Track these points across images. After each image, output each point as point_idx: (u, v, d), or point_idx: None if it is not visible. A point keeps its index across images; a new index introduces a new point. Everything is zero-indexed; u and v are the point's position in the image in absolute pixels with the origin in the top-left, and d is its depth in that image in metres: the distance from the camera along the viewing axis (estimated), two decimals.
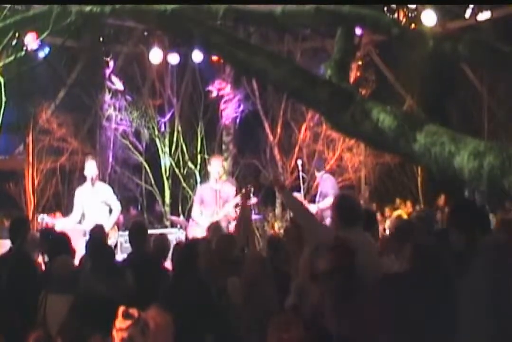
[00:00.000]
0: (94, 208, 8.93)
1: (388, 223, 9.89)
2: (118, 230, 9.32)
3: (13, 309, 5.33)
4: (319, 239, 4.98)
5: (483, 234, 4.05)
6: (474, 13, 10.83)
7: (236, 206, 9.32)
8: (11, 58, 8.32)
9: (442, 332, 3.69)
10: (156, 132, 13.58)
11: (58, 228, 8.25)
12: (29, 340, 4.08)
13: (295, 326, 3.58)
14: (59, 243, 6.43)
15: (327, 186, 10.15)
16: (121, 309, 3.66)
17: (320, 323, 4.24)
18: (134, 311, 3.67)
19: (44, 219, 9.04)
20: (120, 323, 3.63)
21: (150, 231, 8.60)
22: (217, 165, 9.43)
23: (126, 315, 3.63)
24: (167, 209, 13.64)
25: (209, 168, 9.56)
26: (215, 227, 7.44)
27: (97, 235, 7.19)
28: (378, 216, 10.35)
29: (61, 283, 5.25)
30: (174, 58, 12.66)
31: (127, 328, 3.61)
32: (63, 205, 12.34)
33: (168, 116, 13.75)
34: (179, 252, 5.67)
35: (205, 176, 13.02)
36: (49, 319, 5.09)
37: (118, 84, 13.20)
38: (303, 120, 13.43)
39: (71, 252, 6.32)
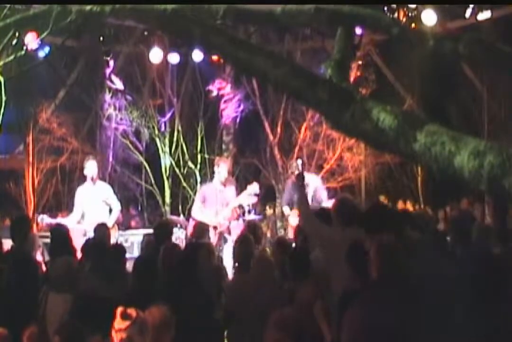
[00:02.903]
0: (94, 207, 8.94)
1: None
2: (118, 229, 9.33)
3: (13, 307, 5.34)
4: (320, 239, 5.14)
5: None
6: (474, 13, 10.82)
7: (239, 206, 9.38)
8: (11, 57, 8.31)
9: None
10: (156, 132, 13.58)
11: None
12: (23, 336, 4.08)
13: (293, 324, 3.57)
14: (60, 242, 6.45)
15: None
16: (119, 310, 3.66)
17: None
18: (132, 312, 3.67)
19: (44, 219, 9.04)
20: (119, 324, 3.63)
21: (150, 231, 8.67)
22: (224, 169, 9.44)
23: (124, 316, 3.64)
24: (167, 208, 13.64)
25: (216, 170, 9.55)
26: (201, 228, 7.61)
27: (101, 233, 7.21)
28: None
29: (62, 282, 5.25)
30: (174, 58, 12.66)
31: (126, 328, 3.62)
32: (63, 205, 12.36)
33: (168, 116, 13.76)
34: (180, 253, 5.68)
35: (205, 176, 13.04)
36: (48, 316, 5.09)
37: (118, 84, 13.20)
38: (303, 120, 13.43)
39: (72, 251, 6.33)
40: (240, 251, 5.91)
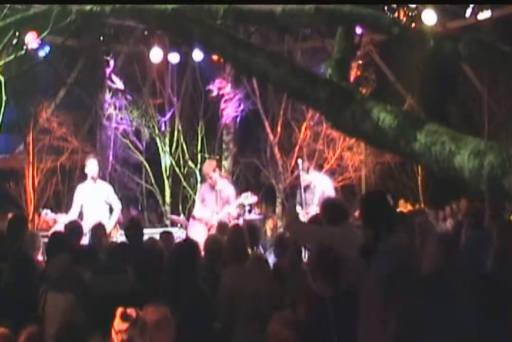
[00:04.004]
0: (94, 206, 8.93)
1: None
2: (120, 229, 9.32)
3: (13, 307, 5.34)
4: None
5: (388, 233, 4.07)
6: (475, 13, 10.82)
7: (239, 206, 9.40)
8: (12, 57, 8.31)
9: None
10: (157, 131, 13.59)
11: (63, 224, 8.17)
12: (21, 335, 4.08)
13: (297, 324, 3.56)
14: (59, 241, 6.44)
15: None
16: (119, 310, 3.65)
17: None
18: (132, 312, 3.66)
19: (48, 214, 9.04)
20: (119, 325, 3.62)
21: (150, 231, 8.67)
22: (213, 173, 9.40)
23: (125, 317, 3.62)
24: (168, 208, 13.65)
25: (207, 176, 9.54)
26: (222, 226, 7.63)
27: (97, 233, 7.22)
28: None
29: (61, 280, 5.24)
30: (174, 57, 12.66)
31: (126, 329, 3.60)
32: (64, 204, 12.35)
33: (168, 115, 13.76)
34: (179, 250, 5.67)
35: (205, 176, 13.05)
36: (47, 316, 5.09)
37: (119, 84, 13.20)
38: (303, 120, 13.43)
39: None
40: (233, 243, 5.94)
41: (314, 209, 9.30)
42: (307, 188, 9.83)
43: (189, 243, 5.84)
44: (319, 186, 9.89)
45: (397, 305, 3.66)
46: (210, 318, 5.10)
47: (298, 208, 10.02)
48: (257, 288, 5.23)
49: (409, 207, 13.05)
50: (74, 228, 7.07)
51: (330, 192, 9.87)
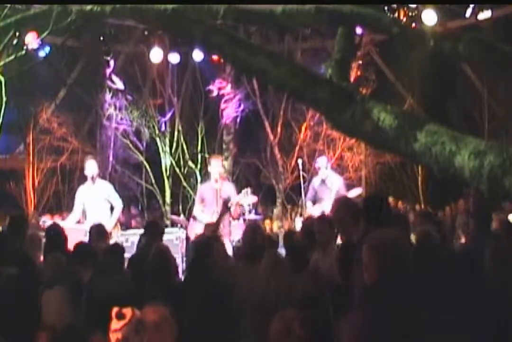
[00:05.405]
0: (95, 205, 8.92)
1: None
2: (120, 228, 9.32)
3: (13, 308, 5.34)
4: None
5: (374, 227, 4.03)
6: (475, 13, 10.83)
7: (239, 206, 9.39)
8: (12, 57, 8.31)
9: None
10: (157, 131, 13.59)
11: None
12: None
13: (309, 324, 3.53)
14: (54, 241, 6.44)
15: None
16: (114, 310, 3.64)
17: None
18: (127, 311, 3.64)
19: (46, 222, 9.02)
20: (114, 324, 3.61)
21: None
22: (217, 166, 9.44)
23: (119, 316, 3.61)
24: (168, 208, 13.65)
25: (209, 168, 9.58)
26: (210, 227, 7.65)
27: (97, 234, 7.21)
28: None
29: (53, 279, 5.24)
30: (174, 58, 12.67)
31: (121, 328, 3.59)
32: (64, 205, 12.36)
33: (168, 115, 13.77)
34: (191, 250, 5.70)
35: (205, 175, 13.04)
36: (44, 315, 5.09)
37: (119, 84, 13.21)
38: (304, 120, 13.45)
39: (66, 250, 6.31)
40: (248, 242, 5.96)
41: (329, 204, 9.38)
42: (322, 182, 9.97)
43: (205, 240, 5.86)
44: (334, 185, 10.00)
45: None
46: (218, 317, 5.11)
47: (309, 204, 10.12)
48: (266, 287, 5.24)
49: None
50: (55, 232, 7.02)
51: (344, 191, 9.98)
